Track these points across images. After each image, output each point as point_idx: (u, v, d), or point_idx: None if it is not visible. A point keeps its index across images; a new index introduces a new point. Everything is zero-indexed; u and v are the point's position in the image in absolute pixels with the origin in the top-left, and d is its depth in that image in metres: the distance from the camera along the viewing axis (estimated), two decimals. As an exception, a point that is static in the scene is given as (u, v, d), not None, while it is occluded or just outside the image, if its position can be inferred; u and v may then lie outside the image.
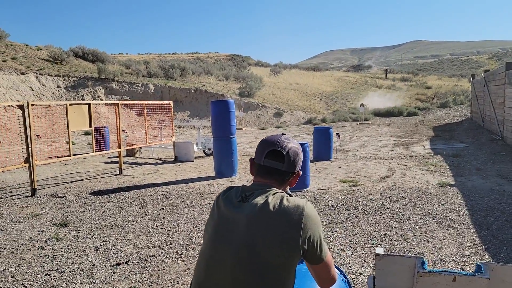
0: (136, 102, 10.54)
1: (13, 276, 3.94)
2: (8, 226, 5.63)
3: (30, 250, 4.67)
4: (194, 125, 16.13)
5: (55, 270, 4.06)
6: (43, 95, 19.68)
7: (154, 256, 4.35)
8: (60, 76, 21.86)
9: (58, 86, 21.45)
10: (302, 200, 1.43)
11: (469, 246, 4.23)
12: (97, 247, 4.68)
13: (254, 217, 1.36)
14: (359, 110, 23.79)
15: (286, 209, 1.37)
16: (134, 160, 11.99)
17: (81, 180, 9.07)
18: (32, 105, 7.43)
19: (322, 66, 77.74)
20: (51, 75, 21.38)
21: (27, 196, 7.44)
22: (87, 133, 17.99)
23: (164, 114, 12.24)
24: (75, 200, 7.07)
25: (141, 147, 12.92)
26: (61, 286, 3.70)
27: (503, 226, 4.77)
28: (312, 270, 1.45)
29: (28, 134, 7.39)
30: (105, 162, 11.77)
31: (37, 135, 9.62)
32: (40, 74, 20.88)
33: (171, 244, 4.71)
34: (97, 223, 5.63)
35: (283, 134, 1.63)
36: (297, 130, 22.24)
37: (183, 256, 4.34)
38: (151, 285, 3.66)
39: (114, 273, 3.94)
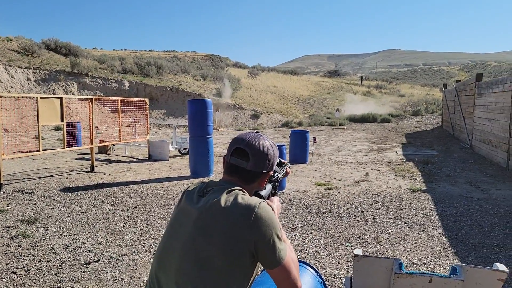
0: (111, 98, 10.30)
1: (-25, 274, 3.75)
2: (-29, 222, 5.36)
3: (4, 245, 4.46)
4: (169, 124, 15.90)
5: (21, 268, 3.89)
6: (11, 87, 18.92)
7: (126, 255, 4.24)
8: (31, 68, 21.10)
9: (28, 79, 20.69)
10: (256, 200, 1.36)
11: (440, 250, 4.34)
12: (66, 245, 4.52)
13: (204, 212, 1.34)
14: (335, 115, 24.14)
15: (236, 207, 1.32)
16: (106, 158, 11.70)
17: (50, 176, 8.76)
18: (0, 96, 7.13)
19: (299, 70, 78.40)
20: (21, 67, 20.60)
21: (-9, 191, 7.13)
22: (57, 128, 17.43)
23: (139, 111, 12.03)
24: (44, 196, 6.82)
25: (114, 145, 12.63)
26: (28, 284, 3.54)
27: (471, 231, 4.93)
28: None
29: (-4, 126, 7.08)
30: (76, 159, 11.43)
31: (4, 129, 9.26)
32: (10, 66, 20.08)
33: (144, 243, 4.61)
34: (66, 221, 5.45)
35: (257, 131, 1.59)
36: (274, 132, 22.33)
37: (156, 255, 4.25)
38: (122, 285, 3.56)
39: (83, 272, 3.81)
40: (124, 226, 5.24)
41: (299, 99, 35.28)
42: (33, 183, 7.94)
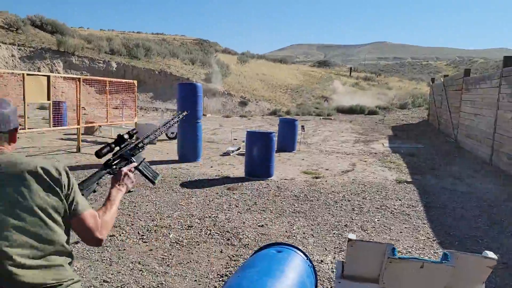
0: (99, 78, 10.12)
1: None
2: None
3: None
4: (157, 107, 15.74)
5: (6, 247, 3.84)
6: (-5, 63, 18.40)
7: (115, 236, 4.22)
8: (15, 45, 20.50)
9: (13, 55, 20.12)
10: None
11: (424, 239, 4.45)
12: (53, 224, 4.47)
13: None
14: (323, 104, 24.22)
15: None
16: (92, 139, 11.54)
17: (35, 155, 8.61)
18: (-15, 71, 6.93)
19: (289, 59, 78.15)
20: (5, 43, 20.00)
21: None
22: (42, 108, 17.06)
23: (126, 93, 11.85)
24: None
25: (100, 126, 12.46)
26: (13, 263, 3.50)
27: (454, 223, 5.06)
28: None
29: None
30: (62, 139, 11.25)
31: None
32: (-7, 41, 19.51)
33: (132, 225, 4.59)
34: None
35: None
36: (262, 120, 22.32)
37: (144, 237, 4.24)
38: (111, 264, 3.55)
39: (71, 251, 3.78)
40: (112, 208, 5.20)
41: (287, 87, 35.24)
42: (17, 161, 7.79)
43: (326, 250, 4.05)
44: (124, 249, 3.91)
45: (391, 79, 54.89)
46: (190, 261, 3.71)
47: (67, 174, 1.49)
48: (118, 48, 26.21)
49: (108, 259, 3.66)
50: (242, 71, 36.95)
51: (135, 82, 11.29)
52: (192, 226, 4.62)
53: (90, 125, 10.79)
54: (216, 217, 4.99)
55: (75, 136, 11.58)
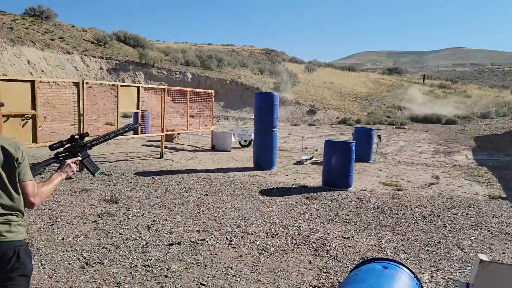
0: (181, 88, 10.67)
1: (72, 246, 4.07)
2: (61, 198, 5.83)
3: (85, 222, 4.82)
4: (233, 116, 16.19)
5: (110, 244, 4.16)
6: (86, 75, 20.27)
7: (205, 240, 4.39)
8: (103, 58, 22.44)
9: (101, 68, 22.03)
10: None
11: (531, 262, 4.05)
12: (148, 226, 4.77)
13: None
14: (396, 114, 23.24)
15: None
16: (172, 146, 12.18)
17: (124, 160, 9.29)
18: (87, 83, 7.64)
19: (356, 67, 76.35)
20: (95, 57, 21.98)
21: (76, 171, 7.67)
22: (125, 116, 18.37)
23: (203, 102, 12.30)
24: (121, 179, 7.24)
25: (179, 133, 13.10)
26: (119, 260, 3.79)
27: None
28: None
29: (77, 111, 7.62)
30: (145, 145, 12.01)
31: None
32: (85, 55, 21.51)
33: (220, 230, 4.75)
34: (145, 203, 5.75)
35: None
36: (331, 129, 21.99)
37: (233, 243, 4.36)
38: (205, 268, 3.70)
39: (168, 252, 4.01)
40: (199, 212, 5.43)
41: (356, 96, 34.35)
42: (110, 165, 8.46)
43: (421, 268, 3.85)
44: (216, 254, 4.04)
45: (469, 86, 51.19)
46: (280, 270, 3.74)
47: (22, 151, 1.92)
48: (193, 59, 27.51)
49: (202, 262, 3.82)
50: (309, 79, 36.79)
51: (213, 92, 11.75)
52: (277, 235, 4.66)
53: (171, 132, 11.37)
54: (300, 226, 4.99)
55: (156, 143, 12.32)
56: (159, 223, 4.91)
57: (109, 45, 24.90)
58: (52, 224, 4.69)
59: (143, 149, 11.23)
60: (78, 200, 5.77)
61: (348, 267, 3.77)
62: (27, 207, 1.96)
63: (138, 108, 8.86)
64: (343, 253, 4.16)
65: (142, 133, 10.62)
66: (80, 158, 2.36)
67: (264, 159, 8.94)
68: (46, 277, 3.40)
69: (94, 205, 5.54)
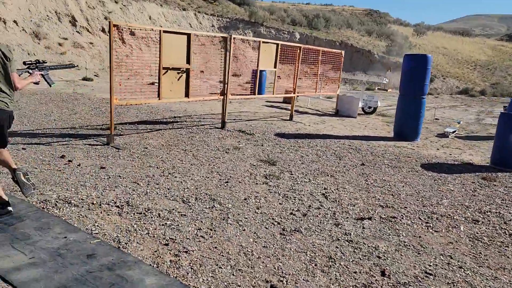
0: (314, 47, 10.05)
1: (258, 208, 3.88)
2: (219, 154, 5.77)
3: (256, 183, 4.63)
4: (359, 79, 15.27)
5: (296, 210, 3.89)
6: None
7: (396, 218, 3.91)
8: (215, 15, 22.60)
9: (212, 26, 22.26)
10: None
11: None
12: (324, 194, 4.43)
13: None
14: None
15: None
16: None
17: (255, 120, 9.14)
18: (234, 38, 7.42)
19: (470, 32, 67.86)
20: (207, 14, 22.22)
21: (218, 128, 7.69)
22: (234, 74, 18.41)
23: (330, 64, 11.55)
24: (265, 139, 7.04)
25: (297, 96, 12.66)
26: (315, 230, 3.49)
27: None
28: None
29: (226, 67, 7.47)
30: (266, 106, 11.80)
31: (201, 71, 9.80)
32: (199, 12, 21.83)
33: (405, 207, 4.22)
34: (303, 167, 5.43)
35: None
36: (451, 99, 19.83)
37: (430, 225, 3.81)
38: (419, 253, 3.22)
39: (363, 228, 3.61)
40: (367, 183, 4.95)
41: (475, 64, 30.54)
42: (246, 124, 8.35)
43: None
44: (420, 237, 3.54)
45: None
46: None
47: (12, 53, 3.14)
48: (299, 19, 26.50)
49: (411, 246, 3.34)
50: (420, 43, 33.48)
51: (343, 52, 10.96)
52: (478, 221, 4.00)
53: (301, 94, 10.76)
54: (499, 213, 4.25)
55: (276, 104, 12.05)
56: (332, 191, 4.53)
57: (219, 3, 24.95)
58: (226, 182, 4.58)
59: (267, 110, 11.02)
60: (235, 158, 5.65)
61: None
62: (14, 89, 3.20)
63: (275, 66, 8.50)
64: None
65: (259, 93, 10.19)
66: (42, 73, 3.65)
67: (408, 128, 8.10)
68: (251, 240, 3.21)
69: (254, 165, 5.36)
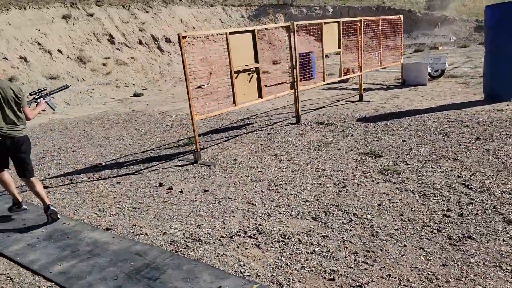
0: (371, 18, 9.27)
1: (402, 214, 3.39)
2: (313, 153, 5.31)
3: (377, 182, 4.14)
4: (422, 42, 14.19)
5: (447, 210, 3.37)
6: (230, 25, 20.17)
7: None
8: (243, 6, 22.00)
9: (242, 16, 21.68)
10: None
11: None
12: (464, 184, 3.86)
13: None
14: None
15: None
16: (351, 86, 11.09)
17: (322, 107, 8.59)
18: (297, 25, 6.89)
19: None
20: (235, 6, 21.65)
21: (293, 124, 7.23)
22: (274, 62, 17.78)
23: (389, 32, 10.64)
24: (350, 127, 6.49)
25: (354, 71, 11.91)
26: (484, 233, 2.95)
27: None
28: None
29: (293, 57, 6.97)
30: (324, 89, 11.15)
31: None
32: (226, 5, 21.32)
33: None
34: (415, 154, 4.86)
35: None
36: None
37: None
38: None
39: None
40: (502, 162, 4.32)
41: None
42: (318, 114, 7.83)
43: None
44: None
45: None
46: None
47: (22, 91, 3.91)
48: (328, -10, 25.27)
49: None
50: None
51: (401, 17, 10.09)
52: None
53: (368, 71, 9.86)
54: None
55: (334, 86, 11.37)
56: (471, 179, 3.95)
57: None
58: (344, 187, 4.12)
59: (328, 94, 10.40)
60: (334, 155, 5.18)
61: None
62: (27, 120, 3.94)
63: (339, 47, 7.88)
64: None
65: (308, 79, 9.45)
66: (46, 100, 4.26)
67: (501, 87, 7.24)
68: (422, 258, 2.74)
69: (359, 161, 4.86)
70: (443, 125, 5.99)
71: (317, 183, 4.29)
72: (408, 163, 4.60)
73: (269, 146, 5.97)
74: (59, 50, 13.75)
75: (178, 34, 5.15)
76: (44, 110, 4.28)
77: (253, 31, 6.18)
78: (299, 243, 3.10)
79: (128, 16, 17.03)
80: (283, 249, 3.05)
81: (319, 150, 5.48)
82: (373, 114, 7.30)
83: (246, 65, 6.12)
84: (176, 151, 6.24)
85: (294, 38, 6.78)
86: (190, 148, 6.29)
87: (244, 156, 5.61)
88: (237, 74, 6.02)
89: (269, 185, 4.40)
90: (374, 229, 3.18)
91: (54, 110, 4.64)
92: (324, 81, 7.78)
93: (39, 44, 13.31)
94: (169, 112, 9.70)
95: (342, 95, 9.85)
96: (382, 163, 4.69)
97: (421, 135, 5.62)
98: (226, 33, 5.78)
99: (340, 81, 12.01)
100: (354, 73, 9.03)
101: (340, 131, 6.33)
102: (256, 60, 6.28)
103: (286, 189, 4.24)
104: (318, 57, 8.25)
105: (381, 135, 5.84)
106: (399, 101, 8.28)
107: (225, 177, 4.83)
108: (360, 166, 4.68)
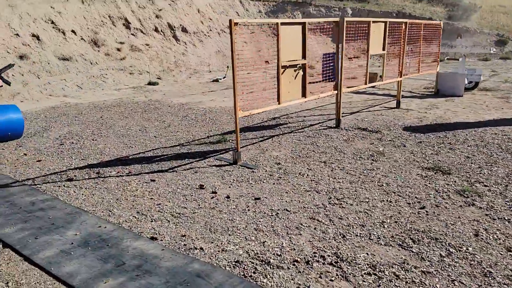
0: (415, 21, 8.73)
1: (510, 250, 2.87)
2: (367, 163, 4.78)
3: (460, 206, 3.61)
4: (461, 52, 13.65)
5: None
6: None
7: None
8: (261, 1, 21.39)
9: (259, 11, 21.08)
10: None
11: None
12: None
13: None
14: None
15: None
16: (379, 92, 10.57)
17: (357, 112, 8.05)
18: (347, 21, 6.33)
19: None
20: (253, 0, 21.04)
21: (332, 127, 6.69)
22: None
23: (429, 38, 10.08)
24: (398, 137, 5.96)
25: (381, 76, 11.38)
26: None
27: None
28: None
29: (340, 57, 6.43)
30: (353, 92, 10.60)
31: (266, 61, 8.75)
32: (244, -1, 20.72)
33: None
34: (489, 174, 4.34)
35: None
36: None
37: None
38: None
39: None
40: None
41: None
42: (356, 119, 7.28)
43: None
44: None
45: None
46: None
47: None
48: (347, -8, 24.72)
49: None
50: (474, 2, 30.72)
51: (441, 23, 9.58)
52: None
53: (407, 77, 9.27)
54: None
55: (361, 90, 10.79)
56: None
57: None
58: (422, 208, 3.58)
59: (358, 97, 9.87)
60: (392, 168, 4.65)
61: None
62: None
63: (384, 49, 7.35)
64: None
65: (329, 81, 8.91)
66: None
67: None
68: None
69: (425, 177, 4.33)
70: (505, 142, 5.48)
71: (387, 200, 3.76)
72: (485, 184, 4.08)
73: (313, 151, 5.42)
74: (73, 31, 13.10)
75: (230, 20, 4.59)
76: (1, 86, 4.34)
77: (303, 24, 5.62)
78: (397, 279, 2.56)
79: (145, 1, 16.38)
80: (379, 284, 2.51)
81: (373, 160, 4.95)
82: (418, 124, 6.77)
83: (293, 60, 5.57)
84: (209, 149, 5.68)
85: (343, 35, 6.23)
86: (223, 146, 5.74)
87: (287, 160, 5.06)
88: (284, 69, 5.47)
89: (330, 198, 3.86)
90: (484, 268, 2.65)
91: (9, 85, 4.97)
92: (366, 83, 7.24)
93: (52, 22, 12.64)
94: (190, 105, 9.12)
95: (374, 100, 9.33)
96: (455, 182, 4.16)
97: (485, 152, 5.10)
98: (277, 23, 5.22)
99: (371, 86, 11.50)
100: (381, 79, 8.46)
101: (389, 140, 5.80)
102: (304, 56, 5.73)
103: (351, 204, 3.70)
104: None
105: (439, 149, 5.32)
106: (441, 112, 7.76)
107: (273, 183, 4.28)
108: (429, 183, 4.15)
